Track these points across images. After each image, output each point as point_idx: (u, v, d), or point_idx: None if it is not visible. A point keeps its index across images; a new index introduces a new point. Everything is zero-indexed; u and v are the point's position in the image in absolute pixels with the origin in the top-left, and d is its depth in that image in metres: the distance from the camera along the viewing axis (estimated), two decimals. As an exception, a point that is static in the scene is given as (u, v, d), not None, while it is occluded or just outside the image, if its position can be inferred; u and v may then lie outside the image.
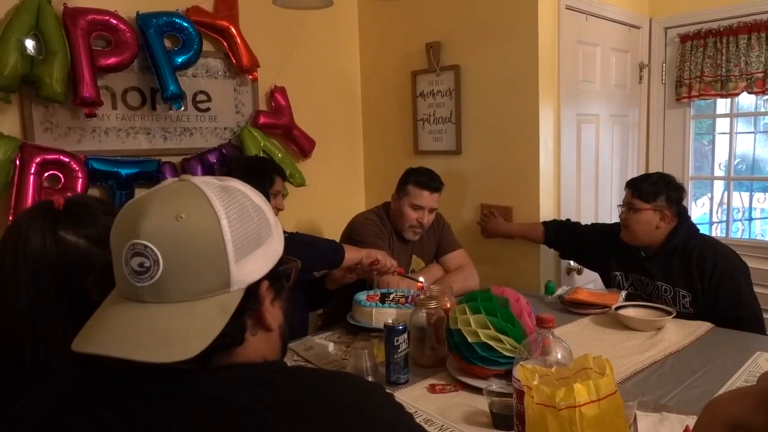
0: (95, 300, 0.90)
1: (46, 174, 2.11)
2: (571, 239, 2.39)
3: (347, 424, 0.63)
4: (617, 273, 2.19)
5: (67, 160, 2.14)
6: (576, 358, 0.92)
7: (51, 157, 2.11)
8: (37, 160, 2.07)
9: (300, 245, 1.83)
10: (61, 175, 2.14)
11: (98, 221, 0.93)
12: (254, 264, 0.67)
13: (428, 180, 2.27)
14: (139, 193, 2.38)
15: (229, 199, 0.66)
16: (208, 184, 0.66)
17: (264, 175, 2.04)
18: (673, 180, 2.08)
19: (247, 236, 0.66)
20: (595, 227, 2.41)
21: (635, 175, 3.11)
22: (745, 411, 0.75)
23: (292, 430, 0.60)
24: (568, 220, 2.48)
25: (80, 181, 2.15)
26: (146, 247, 0.61)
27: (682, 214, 2.05)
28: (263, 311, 0.70)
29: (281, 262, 0.72)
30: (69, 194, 2.05)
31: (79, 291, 0.89)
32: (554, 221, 2.46)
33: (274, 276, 0.71)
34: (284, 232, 0.76)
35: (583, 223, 2.47)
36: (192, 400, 0.62)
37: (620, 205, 2.13)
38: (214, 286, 0.64)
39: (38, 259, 0.86)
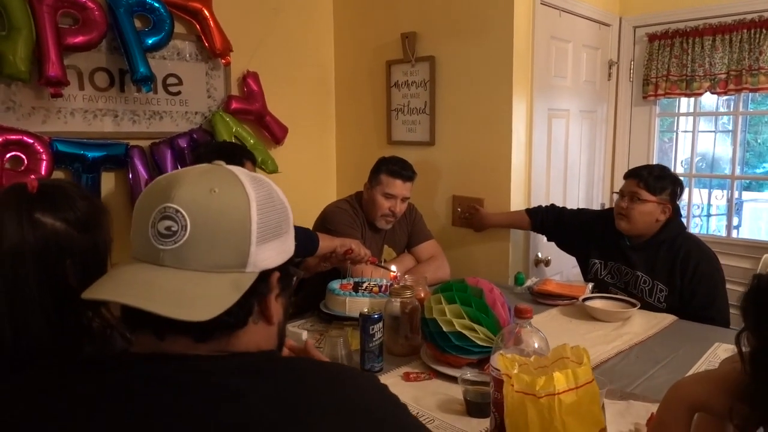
0: (73, 285, 0.88)
1: (8, 155, 2.03)
2: (556, 227, 2.41)
3: (342, 414, 0.63)
4: (596, 261, 2.22)
5: (30, 141, 2.06)
6: (554, 348, 0.95)
7: (13, 137, 2.03)
8: (-1, 140, 1.99)
9: None
10: (24, 157, 2.06)
11: (75, 204, 0.90)
12: (271, 252, 0.69)
13: (401, 169, 2.28)
14: (107, 177, 2.33)
15: (259, 186, 0.69)
16: (240, 170, 0.70)
17: (232, 160, 2.00)
18: (677, 176, 2.12)
19: (270, 224, 0.68)
20: (582, 214, 2.42)
21: (601, 170, 3.21)
22: (704, 394, 0.80)
23: (286, 418, 0.60)
24: (553, 205, 2.49)
25: (44, 163, 2.08)
26: (177, 211, 0.63)
27: (675, 210, 2.09)
28: (269, 301, 0.71)
29: (291, 261, 0.75)
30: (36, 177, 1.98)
31: (58, 275, 0.87)
32: (538, 209, 2.47)
33: (284, 271, 0.73)
34: None
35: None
36: (190, 387, 0.61)
37: (618, 193, 2.12)
38: (231, 263, 0.65)
39: (16, 245, 0.83)
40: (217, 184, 0.66)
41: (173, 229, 0.63)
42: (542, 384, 0.81)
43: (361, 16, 3.02)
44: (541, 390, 0.81)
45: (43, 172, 2.07)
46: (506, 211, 2.55)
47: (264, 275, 0.69)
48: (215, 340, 0.66)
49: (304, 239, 1.90)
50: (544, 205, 2.51)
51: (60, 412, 0.61)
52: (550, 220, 2.42)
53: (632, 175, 2.10)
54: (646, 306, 1.99)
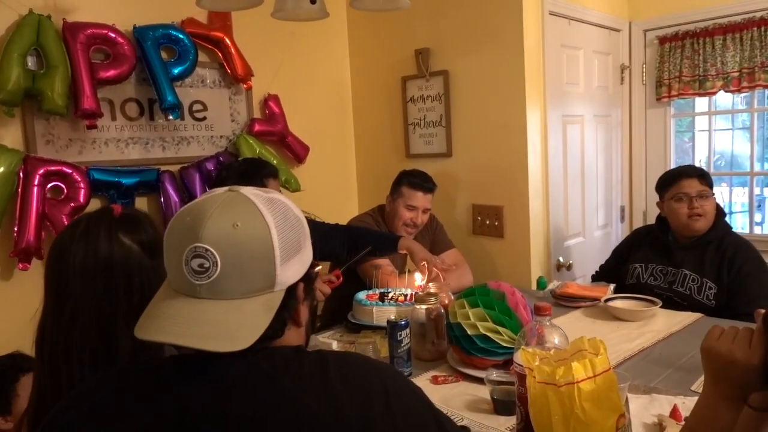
0: (134, 301, 0.97)
1: (49, 185, 2.15)
2: (618, 267, 2.36)
3: (360, 387, 0.72)
4: (636, 265, 2.23)
5: (69, 171, 2.18)
6: (572, 341, 1.00)
7: (54, 168, 2.15)
8: (41, 171, 2.11)
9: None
10: (63, 186, 2.18)
11: (148, 230, 1.02)
12: (294, 267, 0.75)
13: (422, 181, 2.36)
14: (140, 202, 2.44)
15: (276, 209, 0.74)
16: (256, 195, 0.75)
17: (255, 179, 2.04)
18: None
19: (290, 243, 0.74)
20: (622, 244, 2.47)
21: (619, 173, 3.23)
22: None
23: (311, 396, 0.69)
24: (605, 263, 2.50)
25: (83, 191, 2.19)
26: (207, 250, 0.69)
27: (720, 211, 2.13)
28: (299, 310, 0.78)
29: (312, 265, 0.81)
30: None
31: (127, 291, 0.97)
32: (600, 272, 2.48)
33: (307, 278, 0.79)
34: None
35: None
36: (228, 380, 0.71)
37: (681, 197, 2.08)
38: (261, 286, 0.72)
39: (106, 259, 0.95)
40: (238, 217, 0.71)
41: (205, 266, 0.69)
42: (561, 374, 0.86)
43: (374, 34, 3.12)
44: (561, 379, 0.86)
45: (81, 200, 2.18)
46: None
47: (291, 289, 0.76)
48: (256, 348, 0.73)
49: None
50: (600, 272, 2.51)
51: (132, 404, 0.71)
52: (610, 268, 2.41)
53: (690, 175, 2.12)
54: (695, 304, 2.01)
